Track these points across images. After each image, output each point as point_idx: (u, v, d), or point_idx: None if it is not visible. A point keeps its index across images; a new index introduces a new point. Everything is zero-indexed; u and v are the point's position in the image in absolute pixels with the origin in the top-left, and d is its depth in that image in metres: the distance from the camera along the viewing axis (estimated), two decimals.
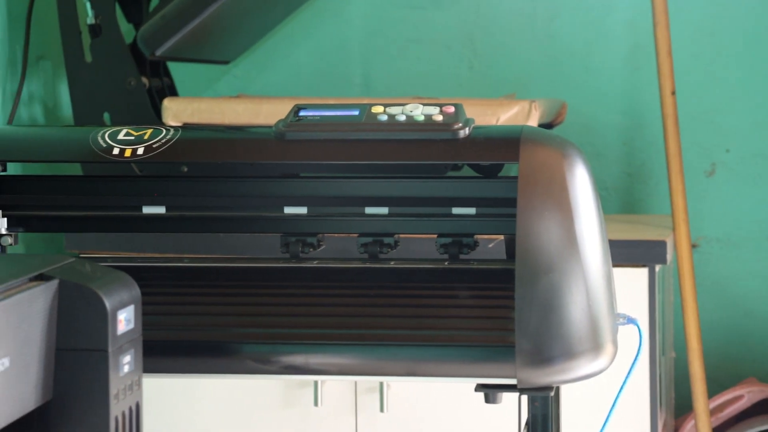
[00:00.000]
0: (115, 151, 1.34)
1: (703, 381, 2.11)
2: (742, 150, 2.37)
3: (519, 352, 1.25)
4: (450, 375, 1.30)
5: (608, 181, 2.40)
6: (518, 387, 1.27)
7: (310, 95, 2.38)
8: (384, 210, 1.38)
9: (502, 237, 1.44)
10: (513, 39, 2.39)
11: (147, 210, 1.40)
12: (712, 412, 2.17)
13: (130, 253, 1.91)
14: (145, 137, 1.35)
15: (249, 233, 1.42)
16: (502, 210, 1.35)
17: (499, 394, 1.31)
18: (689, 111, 2.33)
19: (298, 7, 2.28)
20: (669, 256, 1.97)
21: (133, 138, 1.35)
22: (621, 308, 1.37)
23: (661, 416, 1.99)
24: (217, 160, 1.35)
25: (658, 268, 1.94)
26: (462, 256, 1.37)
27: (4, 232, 1.41)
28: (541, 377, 1.26)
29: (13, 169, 1.46)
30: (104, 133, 1.37)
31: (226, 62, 2.30)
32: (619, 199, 2.41)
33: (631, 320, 1.34)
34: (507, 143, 1.30)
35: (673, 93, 2.11)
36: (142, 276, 1.20)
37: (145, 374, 1.12)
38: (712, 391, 2.23)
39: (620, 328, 1.32)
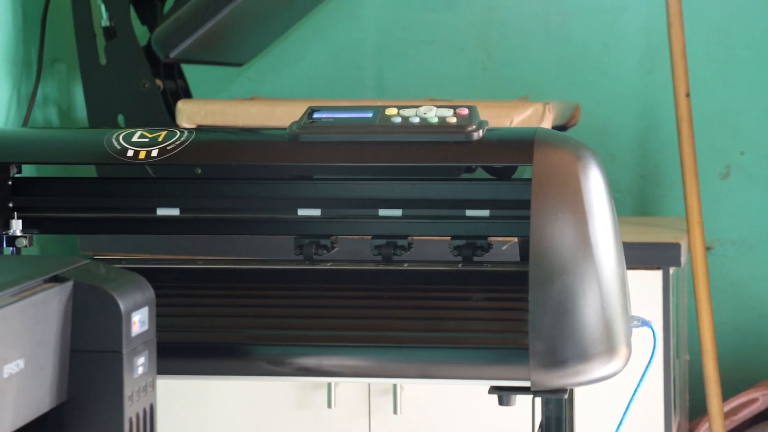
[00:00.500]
0: (130, 153, 1.35)
1: (717, 384, 2.10)
2: (757, 152, 2.36)
3: (533, 354, 1.25)
4: (463, 377, 1.30)
5: (622, 183, 2.40)
6: (532, 389, 1.27)
7: (324, 97, 2.38)
8: (398, 212, 1.38)
9: (515, 239, 1.44)
10: (526, 41, 2.39)
11: (161, 212, 1.41)
12: (727, 415, 2.16)
13: (144, 255, 1.91)
14: (159, 139, 1.36)
15: (262, 235, 1.42)
16: (516, 212, 1.35)
17: (513, 397, 1.31)
18: (703, 113, 2.32)
19: (312, 9, 2.28)
20: (683, 259, 1.97)
21: (147, 140, 1.36)
22: (635, 311, 1.37)
23: (675, 419, 1.98)
24: (230, 162, 1.35)
25: (672, 270, 1.94)
26: (475, 258, 1.37)
27: (19, 233, 1.41)
28: (554, 380, 1.26)
29: (27, 171, 1.46)
30: (119, 135, 1.37)
31: (240, 64, 2.30)
32: (633, 201, 2.40)
33: (645, 323, 1.34)
34: (521, 145, 1.30)
35: (688, 95, 2.11)
36: (156, 278, 1.20)
37: (159, 375, 1.12)
38: (727, 394, 2.22)
39: (634, 330, 1.32)
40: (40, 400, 1.01)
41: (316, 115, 1.34)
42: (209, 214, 1.41)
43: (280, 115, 1.93)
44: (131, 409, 1.06)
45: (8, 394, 0.96)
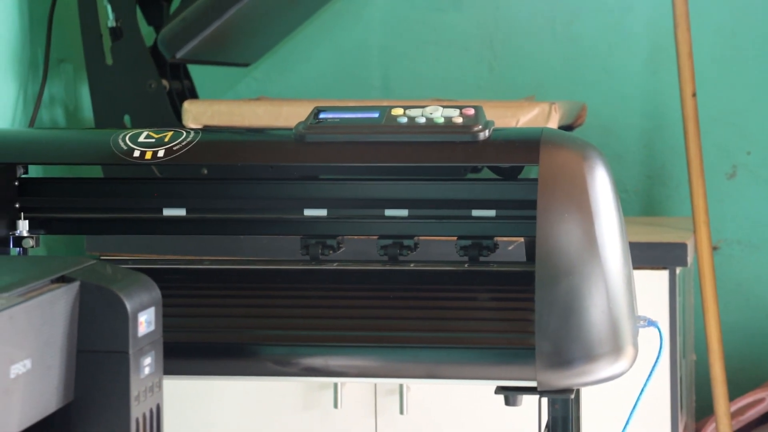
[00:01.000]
0: (136, 153, 1.35)
1: (724, 384, 2.10)
2: (763, 152, 2.36)
3: (539, 354, 1.25)
4: (470, 377, 1.30)
5: (628, 183, 2.39)
6: (538, 389, 1.27)
7: (330, 97, 2.38)
8: (404, 212, 1.38)
9: (522, 239, 1.44)
10: (532, 41, 2.39)
11: (167, 212, 1.41)
12: (733, 415, 2.16)
13: (150, 255, 1.91)
14: (166, 140, 1.36)
15: (269, 235, 1.42)
16: (522, 212, 1.35)
17: (519, 397, 1.31)
18: (710, 113, 2.32)
19: (318, 9, 2.29)
20: (690, 259, 1.96)
21: (153, 140, 1.36)
22: (641, 311, 1.37)
23: (681, 419, 1.98)
24: (237, 163, 1.35)
25: (678, 270, 1.94)
26: (482, 259, 1.37)
27: (25, 234, 1.41)
28: (561, 380, 1.26)
29: (34, 171, 1.46)
30: (125, 135, 1.37)
31: (246, 65, 2.30)
32: (639, 201, 2.40)
33: (651, 323, 1.34)
34: (527, 145, 1.30)
35: (694, 95, 2.10)
36: (162, 278, 1.20)
37: (165, 376, 1.12)
38: (733, 394, 2.22)
39: (641, 330, 1.32)
40: (46, 401, 1.01)
41: (322, 116, 1.34)
42: (215, 214, 1.41)
43: (287, 115, 1.93)
44: (138, 410, 1.06)
45: (15, 394, 0.97)
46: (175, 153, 1.34)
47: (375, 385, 1.94)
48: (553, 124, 1.90)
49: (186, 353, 1.32)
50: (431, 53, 2.42)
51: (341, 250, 1.41)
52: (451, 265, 1.35)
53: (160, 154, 1.35)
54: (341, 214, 1.39)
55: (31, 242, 1.41)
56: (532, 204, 1.28)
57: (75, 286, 1.05)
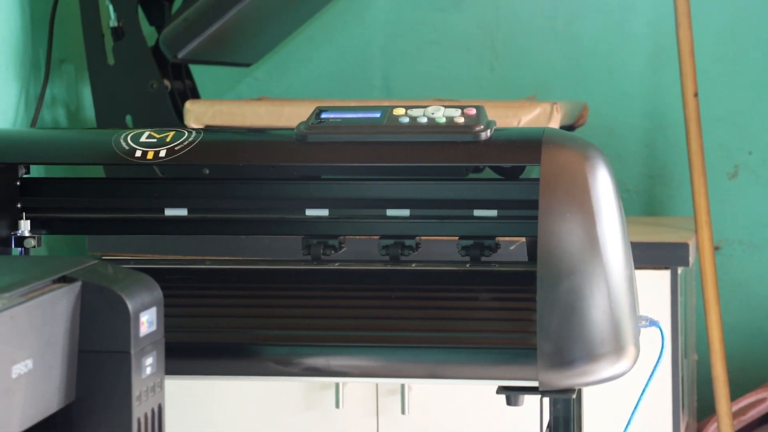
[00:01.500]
0: (138, 153, 1.35)
1: (725, 384, 2.10)
2: (765, 152, 2.36)
3: (541, 354, 1.25)
4: (472, 377, 1.30)
5: (630, 183, 2.39)
6: (540, 389, 1.27)
7: (332, 97, 2.38)
8: (405, 212, 1.38)
9: (523, 239, 1.44)
10: (534, 41, 2.39)
11: (169, 212, 1.41)
12: (735, 415, 2.16)
13: (152, 255, 1.91)
14: (167, 140, 1.36)
15: (270, 235, 1.42)
16: (524, 212, 1.35)
17: (521, 397, 1.31)
18: (711, 113, 2.32)
19: (319, 9, 2.29)
20: (691, 259, 1.96)
21: (155, 140, 1.36)
22: (643, 311, 1.37)
23: (683, 419, 1.98)
24: (238, 163, 1.35)
25: (680, 270, 1.94)
26: (483, 259, 1.37)
27: (27, 234, 1.41)
28: (562, 380, 1.26)
29: (36, 171, 1.46)
30: (126, 135, 1.37)
31: (247, 65, 2.30)
32: (641, 201, 2.40)
33: (653, 322, 1.34)
34: (529, 145, 1.30)
35: (696, 95, 2.10)
36: (164, 278, 1.20)
37: (167, 376, 1.12)
38: (735, 394, 2.22)
39: (642, 330, 1.32)
40: (48, 401, 1.01)
41: (323, 116, 1.34)
42: (217, 214, 1.41)
43: (288, 115, 1.93)
44: (139, 410, 1.06)
45: (17, 394, 0.97)
46: (176, 153, 1.34)
47: (376, 385, 1.94)
48: (555, 124, 1.90)
49: (187, 353, 1.32)
50: (433, 53, 2.42)
51: (343, 250, 1.41)
52: (452, 265, 1.35)
53: (162, 154, 1.35)
54: (343, 214, 1.39)
55: (32, 242, 1.41)
56: (533, 204, 1.28)
57: (76, 286, 1.05)
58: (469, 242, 1.37)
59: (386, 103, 1.38)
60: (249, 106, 1.98)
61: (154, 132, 1.37)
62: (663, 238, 1.98)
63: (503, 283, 1.32)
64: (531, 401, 1.32)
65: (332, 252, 1.40)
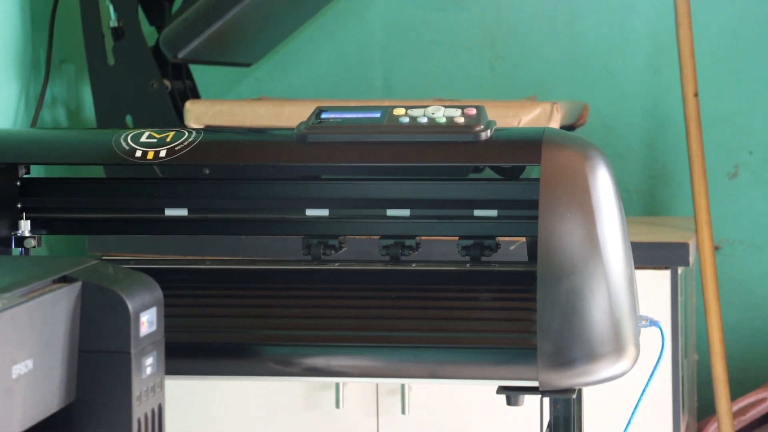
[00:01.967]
0: (138, 153, 1.35)
1: (725, 384, 2.10)
2: (765, 152, 2.36)
3: (541, 354, 1.25)
4: (471, 377, 1.30)
5: (630, 183, 2.39)
6: (540, 389, 1.27)
7: (332, 97, 2.38)
8: (405, 212, 1.38)
9: (523, 239, 1.44)
10: (534, 41, 2.39)
11: (169, 212, 1.41)
12: (735, 415, 2.16)
13: (152, 255, 1.91)
14: (168, 140, 1.36)
15: (270, 235, 1.42)
16: (524, 212, 1.35)
17: (521, 397, 1.31)
18: (712, 113, 2.32)
19: (320, 9, 2.29)
20: (691, 259, 1.96)
21: (155, 140, 1.36)
22: (643, 311, 1.37)
23: (683, 419, 1.98)
24: (238, 163, 1.35)
25: (680, 270, 1.94)
26: (483, 259, 1.37)
27: (27, 234, 1.41)
28: (563, 379, 1.26)
29: (36, 171, 1.46)
30: (127, 135, 1.37)
31: (248, 65, 2.30)
32: (641, 201, 2.40)
33: (653, 322, 1.34)
34: (529, 145, 1.30)
35: (696, 95, 2.10)
36: (164, 278, 1.20)
37: (167, 376, 1.12)
38: (735, 394, 2.22)
39: (642, 330, 1.32)
40: (48, 401, 1.01)
41: (323, 116, 1.34)
42: (217, 214, 1.41)
43: (288, 115, 1.93)
44: (139, 410, 1.06)
45: (17, 394, 0.97)
46: (176, 153, 1.34)
47: (377, 385, 1.94)
48: (555, 124, 1.90)
49: (188, 353, 1.32)
50: (433, 53, 2.42)
51: (343, 250, 1.41)
52: (452, 265, 1.35)
53: (162, 154, 1.35)
54: (343, 214, 1.39)
55: (32, 242, 1.41)
56: (533, 204, 1.28)
57: (77, 286, 1.05)
58: (469, 242, 1.37)
59: (386, 103, 1.38)
60: (249, 106, 1.98)
61: (154, 132, 1.37)
62: (663, 238, 1.98)
63: (503, 283, 1.32)
64: (531, 401, 1.32)
65: (332, 252, 1.40)
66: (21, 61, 2.04)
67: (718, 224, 2.30)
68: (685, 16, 2.09)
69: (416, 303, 1.32)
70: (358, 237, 1.42)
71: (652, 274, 1.92)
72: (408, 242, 1.38)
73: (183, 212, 1.41)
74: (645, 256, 1.90)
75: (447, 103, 1.35)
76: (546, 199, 1.26)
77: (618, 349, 1.26)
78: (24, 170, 1.43)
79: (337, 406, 1.93)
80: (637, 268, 1.34)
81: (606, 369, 1.26)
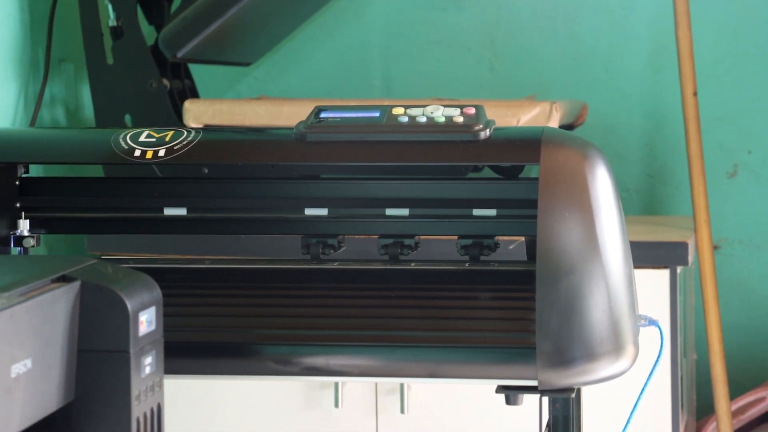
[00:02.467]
0: (137, 152, 1.35)
1: (724, 383, 2.10)
2: (764, 151, 2.36)
3: (540, 353, 1.25)
4: (471, 376, 1.30)
5: (629, 182, 2.39)
6: (539, 388, 1.27)
7: (331, 97, 2.38)
8: (404, 211, 1.38)
9: (522, 238, 1.44)
10: (534, 40, 2.39)
11: (168, 212, 1.41)
12: (734, 414, 2.16)
13: (151, 255, 1.91)
14: (167, 139, 1.36)
15: (270, 235, 1.42)
16: (523, 211, 1.35)
17: (520, 396, 1.31)
18: (711, 112, 2.32)
19: (319, 9, 2.29)
20: (690, 258, 1.96)
21: (154, 140, 1.36)
22: (642, 310, 1.37)
23: (682, 418, 1.98)
24: (238, 162, 1.35)
25: (679, 269, 1.94)
26: (482, 258, 1.37)
27: (26, 233, 1.41)
28: (562, 379, 1.26)
29: (35, 171, 1.46)
30: (126, 135, 1.37)
31: (247, 64, 2.30)
32: (640, 200, 2.40)
33: (652, 322, 1.34)
34: (528, 145, 1.29)
35: (695, 94, 2.10)
36: (163, 277, 1.20)
37: (166, 375, 1.12)
38: (734, 393, 2.22)
39: (641, 329, 1.32)
40: (47, 400, 1.01)
41: (323, 115, 1.34)
42: (216, 213, 1.41)
43: (287, 114, 1.93)
44: (138, 409, 1.06)
45: (16, 393, 0.97)
46: (175, 152, 1.34)
47: (376, 384, 1.94)
48: (554, 123, 1.90)
49: (187, 353, 1.32)
50: (432, 53, 2.42)
51: (342, 249, 1.41)
52: (451, 265, 1.35)
53: (161, 153, 1.35)
54: (342, 213, 1.39)
55: (31, 241, 1.41)
56: (532, 203, 1.28)
57: (76, 285, 1.05)
58: (469, 241, 1.37)
59: (386, 103, 1.38)
60: (248, 105, 1.98)
61: (153, 131, 1.37)
62: (662, 238, 1.98)
63: (502, 282, 1.32)
64: (530, 400, 1.32)
65: (331, 251, 1.40)
66: (20, 60, 2.04)
67: (717, 224, 2.30)
68: (684, 15, 2.09)
69: (415, 302, 1.32)
70: (357, 236, 1.42)
71: (651, 274, 1.92)
72: (407, 241, 1.38)
73: (182, 212, 1.41)
74: (644, 255, 1.90)
75: (446, 103, 1.35)
76: (545, 199, 1.26)
77: (617, 349, 1.26)
78: (23, 169, 1.43)
79: (336, 405, 1.93)
80: (636, 267, 1.34)
81: (605, 368, 1.26)
